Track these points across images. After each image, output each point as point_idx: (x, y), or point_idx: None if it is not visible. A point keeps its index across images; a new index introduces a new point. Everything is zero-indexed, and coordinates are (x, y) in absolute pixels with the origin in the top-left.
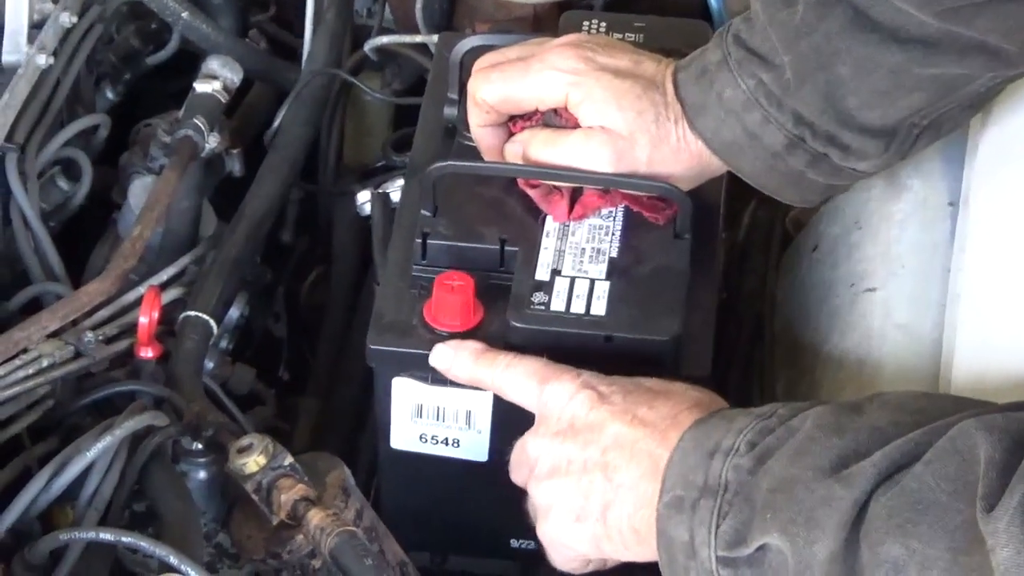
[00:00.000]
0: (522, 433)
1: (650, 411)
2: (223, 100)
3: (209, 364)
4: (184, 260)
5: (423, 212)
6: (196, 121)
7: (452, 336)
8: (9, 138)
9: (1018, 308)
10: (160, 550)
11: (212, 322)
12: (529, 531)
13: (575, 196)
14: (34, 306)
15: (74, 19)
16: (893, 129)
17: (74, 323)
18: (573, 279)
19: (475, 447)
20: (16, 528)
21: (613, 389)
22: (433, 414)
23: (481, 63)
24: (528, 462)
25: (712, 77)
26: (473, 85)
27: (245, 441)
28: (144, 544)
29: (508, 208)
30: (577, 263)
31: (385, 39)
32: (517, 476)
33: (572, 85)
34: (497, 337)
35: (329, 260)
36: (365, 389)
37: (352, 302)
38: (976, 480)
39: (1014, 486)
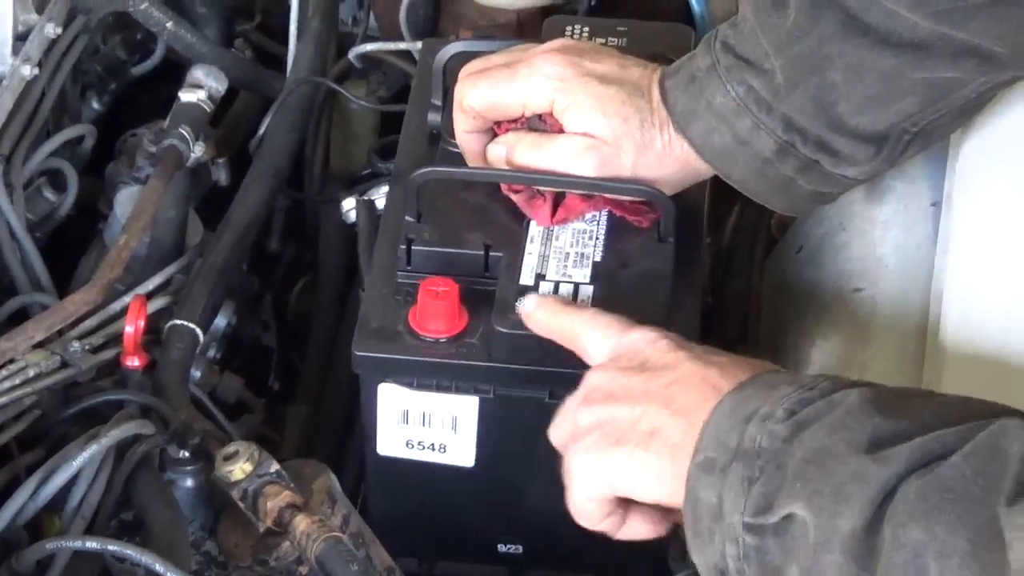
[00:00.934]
0: (507, 438)
1: (727, 360)
2: (208, 109)
3: (196, 373)
4: (170, 269)
5: (407, 218)
6: (182, 131)
7: (437, 342)
8: None
9: (1001, 306)
10: (147, 558)
11: (198, 331)
12: (516, 535)
13: (558, 200)
14: (20, 316)
15: (59, 30)
16: (884, 135)
17: (60, 333)
18: (557, 283)
19: (461, 452)
20: (3, 537)
21: (694, 345)
22: (419, 420)
23: (467, 69)
24: (576, 401)
25: (701, 84)
26: (459, 91)
27: (231, 448)
28: (131, 552)
29: (492, 214)
30: (561, 268)
31: (370, 46)
32: (562, 422)
33: (558, 91)
34: (482, 343)
35: (316, 268)
36: (354, 395)
37: (339, 309)
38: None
39: None
